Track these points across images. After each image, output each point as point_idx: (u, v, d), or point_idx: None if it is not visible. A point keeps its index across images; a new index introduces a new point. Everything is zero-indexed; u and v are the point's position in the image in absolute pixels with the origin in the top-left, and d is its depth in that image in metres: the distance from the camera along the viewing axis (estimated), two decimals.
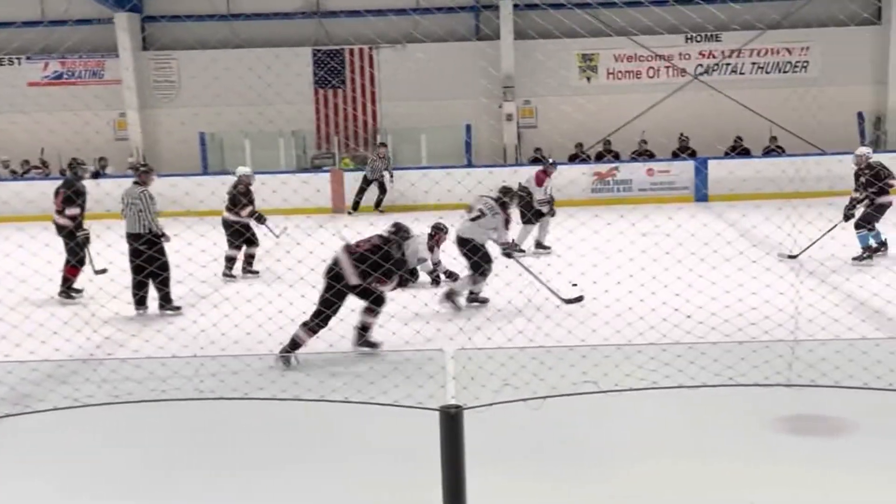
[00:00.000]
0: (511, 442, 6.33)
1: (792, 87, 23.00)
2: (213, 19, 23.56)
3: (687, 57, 23.51)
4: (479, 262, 10.52)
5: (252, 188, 13.21)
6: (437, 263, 12.18)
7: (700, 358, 7.75)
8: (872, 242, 12.74)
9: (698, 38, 23.28)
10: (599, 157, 22.56)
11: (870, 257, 12.60)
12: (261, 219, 13.13)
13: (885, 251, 13.08)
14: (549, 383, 7.39)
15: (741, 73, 23.48)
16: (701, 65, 23.47)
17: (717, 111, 22.77)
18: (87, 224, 11.76)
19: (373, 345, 8.88)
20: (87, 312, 10.63)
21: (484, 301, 10.87)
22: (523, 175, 15.39)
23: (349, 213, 20.48)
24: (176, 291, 11.08)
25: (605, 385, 7.16)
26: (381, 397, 7.04)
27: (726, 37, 23.11)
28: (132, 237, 10.80)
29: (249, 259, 13.22)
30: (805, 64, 23.45)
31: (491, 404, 5.78)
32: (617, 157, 22.57)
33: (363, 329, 8.86)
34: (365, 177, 20.74)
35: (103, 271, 11.32)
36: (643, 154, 22.47)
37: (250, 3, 23.84)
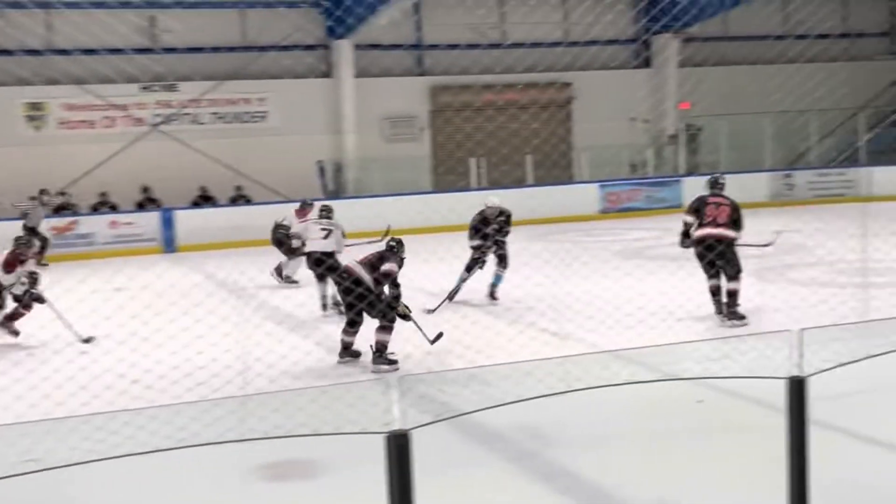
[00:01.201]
0: None
1: (253, 137, 23.33)
2: None
3: (144, 107, 22.87)
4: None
5: None
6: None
7: (150, 423, 7.10)
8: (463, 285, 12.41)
9: (155, 88, 22.75)
10: (57, 211, 21.09)
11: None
12: None
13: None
14: None
15: (202, 123, 23.34)
16: (159, 114, 22.96)
17: (180, 161, 22.46)
18: None
19: (391, 362, 9.15)
20: None
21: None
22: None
23: None
24: None
25: (52, 461, 6.26)
26: None
27: (184, 87, 22.85)
28: None
29: None
30: (264, 114, 23.86)
31: None
32: (76, 210, 21.27)
33: (379, 349, 9.14)
34: (25, 225, 17.81)
35: None
36: (105, 206, 21.41)
37: None
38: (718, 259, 10.46)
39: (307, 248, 12.39)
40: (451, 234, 15.14)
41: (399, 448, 3.84)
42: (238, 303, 12.57)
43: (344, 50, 24.00)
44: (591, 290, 12.17)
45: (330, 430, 4.75)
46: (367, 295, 9.16)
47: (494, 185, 23.07)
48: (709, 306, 11.07)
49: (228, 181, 22.61)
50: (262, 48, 23.41)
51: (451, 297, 12.24)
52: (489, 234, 12.40)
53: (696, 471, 6.38)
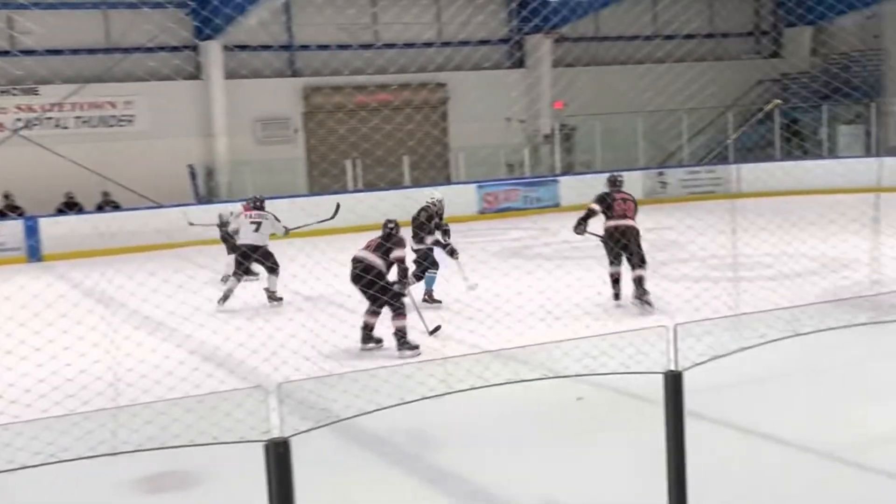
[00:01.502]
0: None
1: (120, 141, 22.69)
2: None
3: (4, 111, 22.08)
4: (275, 262, 12.83)
5: None
6: None
7: (16, 439, 6.77)
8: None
9: (15, 92, 21.94)
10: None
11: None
12: None
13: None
14: None
15: (66, 128, 22.60)
16: (20, 119, 22.15)
17: (44, 167, 21.61)
18: None
19: (414, 347, 9.54)
20: None
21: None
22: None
23: None
24: None
25: None
26: None
27: (45, 90, 22.10)
28: None
29: None
30: (131, 117, 23.24)
31: None
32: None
33: (400, 335, 9.54)
34: None
35: None
36: None
37: None
38: (627, 249, 11.23)
39: (238, 242, 13.07)
40: (326, 238, 15.02)
41: (279, 456, 3.78)
42: (107, 312, 12.16)
43: (212, 51, 23.55)
44: (470, 291, 12.18)
45: (207, 440, 4.62)
46: (379, 281, 9.60)
47: (371, 186, 23.00)
48: (585, 304, 11.26)
49: (95, 187, 21.89)
50: (127, 50, 22.74)
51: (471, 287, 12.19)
52: (433, 228, 12.34)
53: (578, 467, 6.45)
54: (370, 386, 4.10)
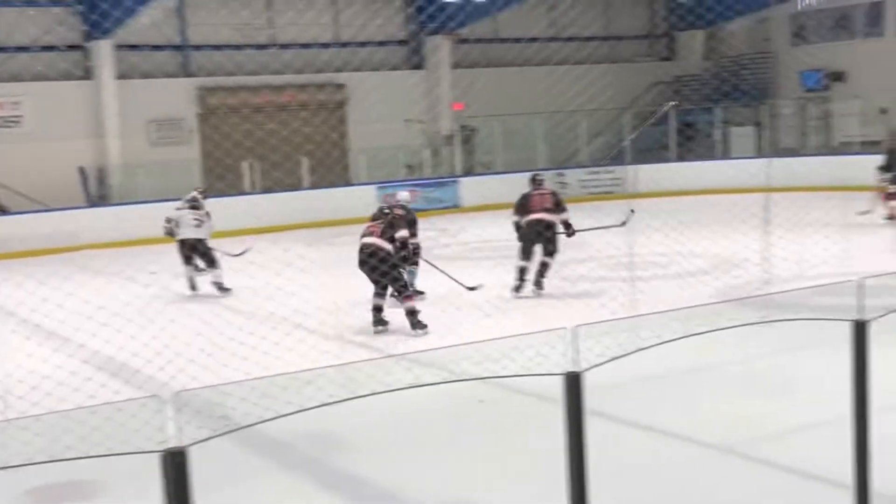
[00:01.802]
0: None
1: (7, 143, 21.99)
2: None
3: None
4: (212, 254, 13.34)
5: None
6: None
7: None
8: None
9: None
10: None
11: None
12: None
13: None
14: None
15: None
16: None
17: None
18: None
19: (424, 325, 10.22)
20: None
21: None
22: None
23: None
24: None
25: None
26: None
27: None
28: None
29: None
30: (18, 119, 22.54)
31: None
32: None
33: (412, 313, 10.22)
34: None
35: None
36: None
37: None
38: (541, 238, 11.72)
39: (180, 236, 13.39)
40: (227, 240, 14.81)
41: (176, 466, 3.68)
42: None
43: (103, 51, 22.97)
44: (368, 295, 12.13)
45: (101, 451, 4.48)
46: (390, 269, 10.27)
47: (269, 189, 22.73)
48: (485, 307, 11.27)
49: None
50: (13, 49, 22.05)
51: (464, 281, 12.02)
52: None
53: (482, 468, 6.49)
54: (269, 393, 4.03)
